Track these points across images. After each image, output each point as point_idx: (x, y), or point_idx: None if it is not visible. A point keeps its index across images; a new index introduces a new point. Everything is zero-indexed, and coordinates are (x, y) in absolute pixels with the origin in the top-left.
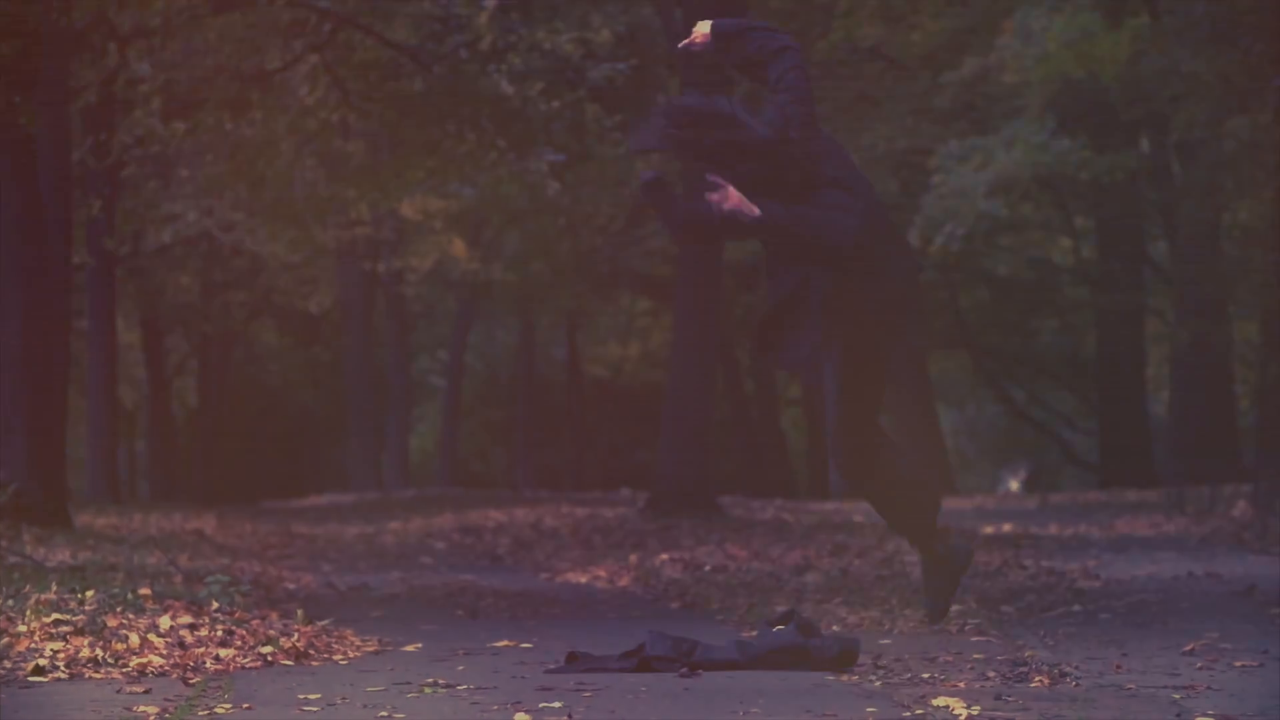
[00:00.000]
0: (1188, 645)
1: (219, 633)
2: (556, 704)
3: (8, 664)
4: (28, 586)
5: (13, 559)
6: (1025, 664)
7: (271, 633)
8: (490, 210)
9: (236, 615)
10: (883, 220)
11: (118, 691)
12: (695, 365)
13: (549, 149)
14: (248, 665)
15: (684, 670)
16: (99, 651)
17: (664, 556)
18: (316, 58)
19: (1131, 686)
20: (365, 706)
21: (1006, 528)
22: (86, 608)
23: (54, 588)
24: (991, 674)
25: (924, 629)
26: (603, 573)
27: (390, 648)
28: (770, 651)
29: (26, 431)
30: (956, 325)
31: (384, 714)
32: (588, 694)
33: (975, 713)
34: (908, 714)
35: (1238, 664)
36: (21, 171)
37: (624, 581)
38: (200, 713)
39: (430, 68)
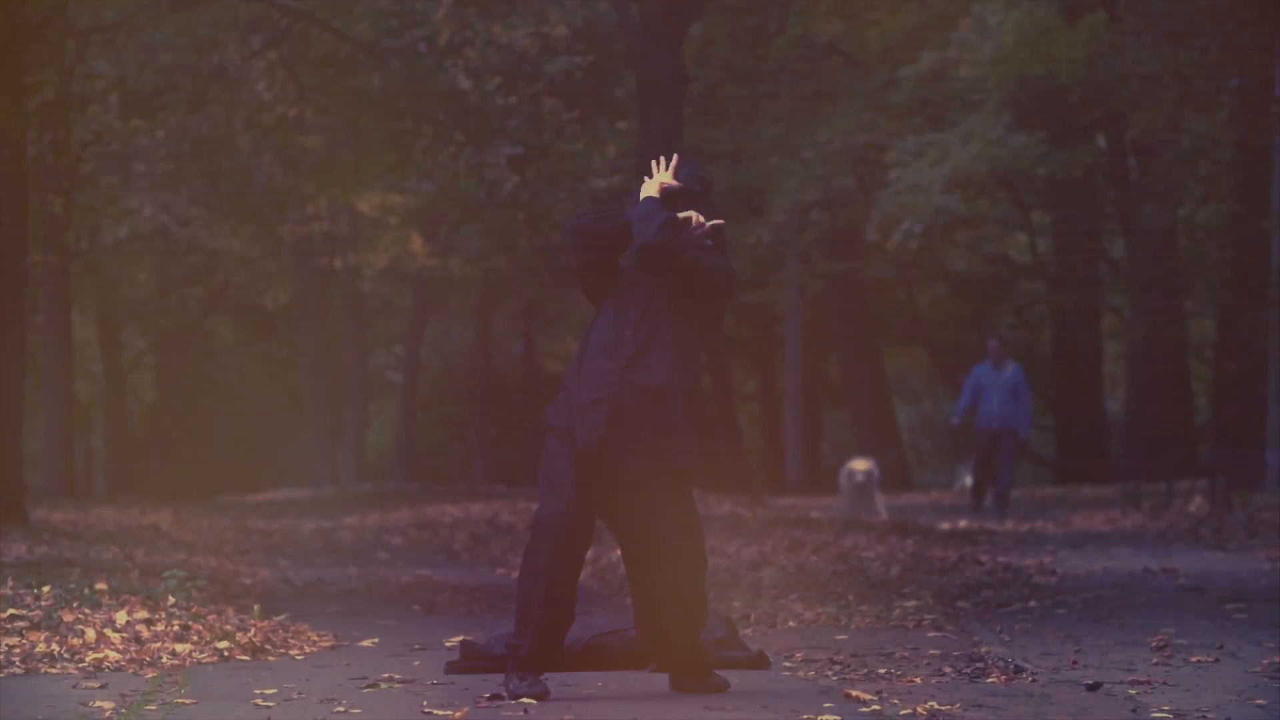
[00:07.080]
0: (1144, 641)
1: (175, 628)
2: (511, 700)
3: None
4: None
5: None
6: (981, 659)
7: (228, 628)
8: (448, 205)
9: (193, 610)
10: None
11: (74, 686)
12: None
13: (506, 143)
14: (204, 660)
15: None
16: (55, 646)
17: (619, 552)
18: (274, 53)
19: (1088, 681)
20: (320, 701)
21: (963, 523)
22: (43, 603)
23: (10, 583)
24: (948, 669)
25: (880, 625)
26: None
27: (346, 643)
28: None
29: None
30: (913, 321)
31: (339, 709)
32: None
33: (931, 708)
34: (864, 709)
35: (1194, 659)
36: None
37: (580, 577)
38: (156, 707)
39: (388, 63)
